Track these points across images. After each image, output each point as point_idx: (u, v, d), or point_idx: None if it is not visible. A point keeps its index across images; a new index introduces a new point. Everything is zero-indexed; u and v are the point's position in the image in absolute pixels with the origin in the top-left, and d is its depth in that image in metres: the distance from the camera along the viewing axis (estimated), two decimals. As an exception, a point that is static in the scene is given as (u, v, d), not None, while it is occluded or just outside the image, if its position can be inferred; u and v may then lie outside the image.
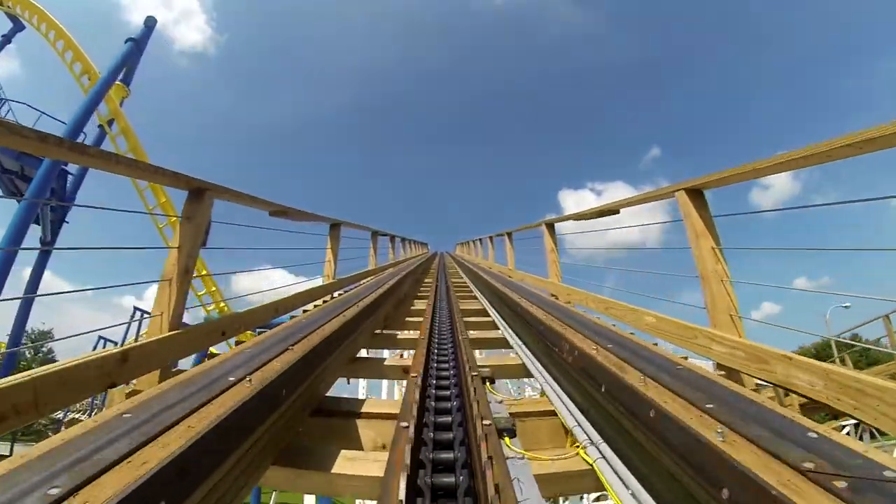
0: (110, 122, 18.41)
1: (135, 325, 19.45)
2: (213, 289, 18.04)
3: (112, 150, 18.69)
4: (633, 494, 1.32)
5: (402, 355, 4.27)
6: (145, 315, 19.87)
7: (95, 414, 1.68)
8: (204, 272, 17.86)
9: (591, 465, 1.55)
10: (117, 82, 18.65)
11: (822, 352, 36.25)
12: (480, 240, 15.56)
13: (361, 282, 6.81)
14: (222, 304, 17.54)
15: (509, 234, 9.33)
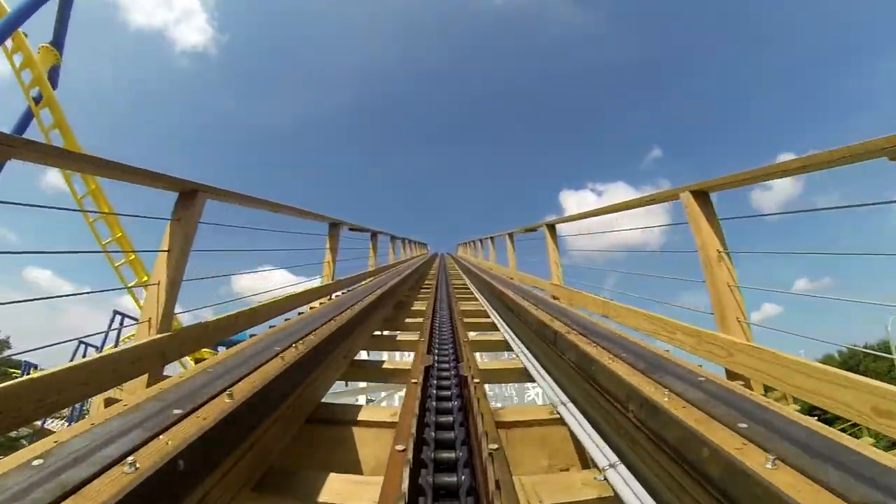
0: (38, 100, 14.89)
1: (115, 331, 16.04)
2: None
3: (35, 124, 15.33)
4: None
5: None
6: (127, 321, 16.32)
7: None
8: (145, 279, 14.16)
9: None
10: (46, 45, 15.31)
11: (849, 361, 32.88)
12: (492, 238, 12.02)
13: (304, 309, 3.38)
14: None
15: (550, 227, 5.82)
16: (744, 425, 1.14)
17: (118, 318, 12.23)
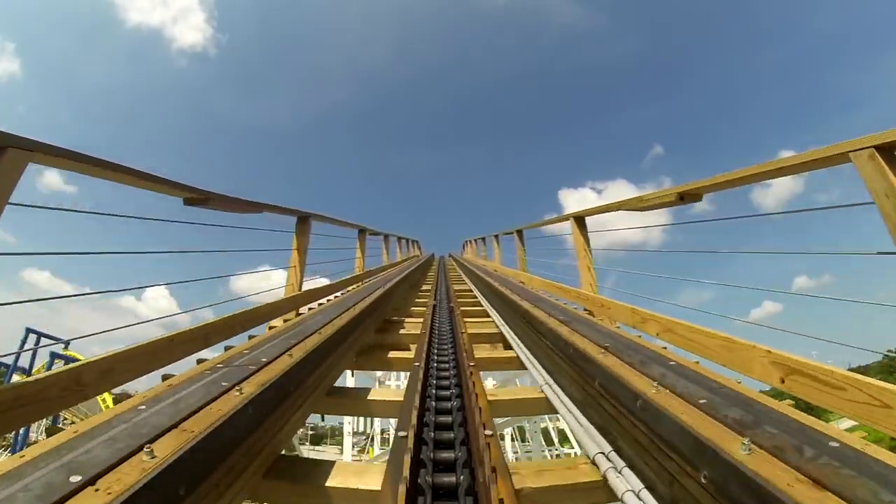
0: None
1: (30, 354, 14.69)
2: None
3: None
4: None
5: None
6: (43, 340, 14.88)
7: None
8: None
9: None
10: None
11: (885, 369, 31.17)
12: (496, 237, 10.70)
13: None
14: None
15: (578, 220, 4.57)
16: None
17: (32, 337, 10.59)
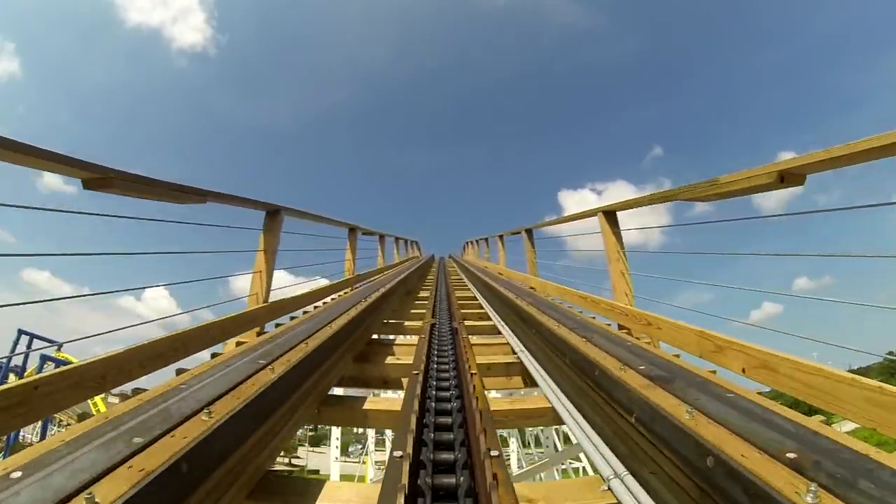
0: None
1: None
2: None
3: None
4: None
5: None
6: (38, 343, 14.16)
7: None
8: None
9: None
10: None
11: (883, 372, 30.20)
12: (500, 237, 9.83)
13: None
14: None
15: (609, 215, 3.75)
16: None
17: (24, 338, 9.87)
